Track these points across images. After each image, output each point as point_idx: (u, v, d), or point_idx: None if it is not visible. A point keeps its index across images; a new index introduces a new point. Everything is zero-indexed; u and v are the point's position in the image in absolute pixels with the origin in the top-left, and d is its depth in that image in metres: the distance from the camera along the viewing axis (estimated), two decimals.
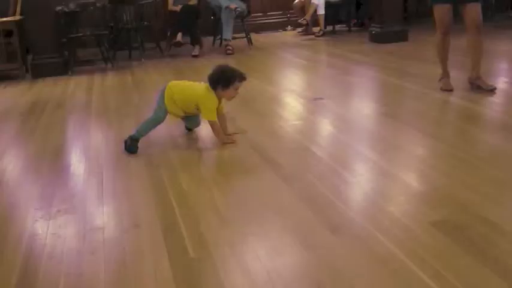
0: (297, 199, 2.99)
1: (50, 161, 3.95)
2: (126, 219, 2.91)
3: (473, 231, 2.51)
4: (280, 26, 10.75)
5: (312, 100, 5.10)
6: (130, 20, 8.40)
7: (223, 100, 4.07)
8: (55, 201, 3.20)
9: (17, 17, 7.68)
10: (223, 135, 4.01)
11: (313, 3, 9.42)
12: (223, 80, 3.93)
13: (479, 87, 4.95)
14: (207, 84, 3.97)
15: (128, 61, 8.20)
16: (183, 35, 8.21)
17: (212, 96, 3.95)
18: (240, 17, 8.51)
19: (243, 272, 2.32)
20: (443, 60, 5.12)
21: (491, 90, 4.89)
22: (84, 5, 8.15)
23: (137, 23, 8.39)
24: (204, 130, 4.24)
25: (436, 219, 2.63)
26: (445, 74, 5.13)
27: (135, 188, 3.34)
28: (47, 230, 2.85)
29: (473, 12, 4.78)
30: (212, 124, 3.97)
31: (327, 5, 9.49)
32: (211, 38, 9.09)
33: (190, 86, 4.12)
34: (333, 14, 9.77)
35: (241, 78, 4.00)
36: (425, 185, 3.08)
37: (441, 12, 4.92)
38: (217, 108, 4.01)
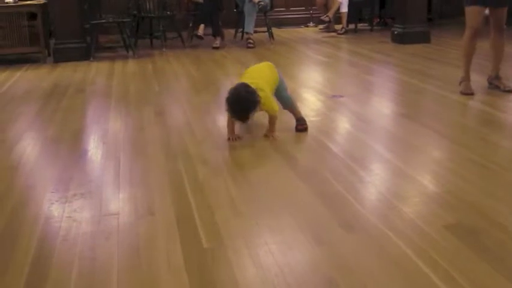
0: (311, 195, 2.99)
1: (69, 145, 3.98)
2: (141, 206, 2.93)
3: (488, 236, 2.50)
4: (302, 22, 10.73)
5: (331, 97, 5.09)
6: (153, 9, 8.42)
7: None
8: (72, 185, 3.23)
9: (41, 1, 7.73)
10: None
11: (337, 0, 9.39)
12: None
13: (497, 87, 5.05)
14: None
15: (149, 50, 8.23)
16: (205, 26, 8.23)
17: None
18: (263, 10, 8.50)
19: (254, 264, 2.33)
20: (467, 63, 5.11)
21: (509, 91, 4.96)
22: None
23: (160, 12, 8.41)
24: (222, 122, 4.25)
25: (450, 223, 2.63)
26: (466, 77, 5.10)
27: (152, 175, 3.36)
28: (63, 213, 2.88)
29: (499, 14, 4.96)
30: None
31: (350, 3, 9.47)
32: (232, 31, 9.09)
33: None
34: (355, 12, 9.75)
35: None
36: (440, 188, 3.07)
37: (473, 13, 4.93)
38: None
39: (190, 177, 3.28)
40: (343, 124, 4.44)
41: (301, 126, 4.14)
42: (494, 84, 5.04)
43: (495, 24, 5.00)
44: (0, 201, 3.06)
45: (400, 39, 8.16)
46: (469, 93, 5.00)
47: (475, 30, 4.96)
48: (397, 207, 2.81)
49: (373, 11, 9.99)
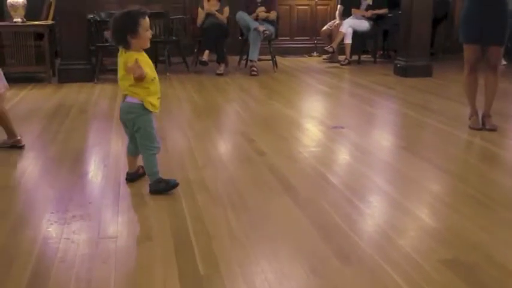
0: (309, 225, 3.01)
1: (69, 166, 4.01)
2: (139, 230, 2.95)
3: (484, 273, 2.51)
4: (306, 52, 10.82)
5: (332, 128, 5.13)
6: (159, 34, 8.50)
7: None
8: (71, 206, 3.25)
9: (49, 22, 7.82)
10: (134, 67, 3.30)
11: (341, 31, 9.48)
12: (128, 27, 3.29)
13: (483, 124, 5.09)
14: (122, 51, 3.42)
15: None
16: (210, 52, 8.31)
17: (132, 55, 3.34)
18: (268, 39, 8.58)
19: None
20: (470, 98, 5.18)
21: (490, 130, 5.00)
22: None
23: (166, 37, 8.49)
24: (223, 147, 4.27)
25: (446, 257, 2.64)
26: (473, 112, 5.16)
27: (151, 200, 3.38)
28: (61, 234, 2.89)
29: (494, 53, 5.01)
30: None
31: (355, 35, 9.54)
32: (236, 58, 9.16)
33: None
34: (359, 44, 9.82)
35: (142, 12, 3.34)
36: (437, 222, 3.08)
37: (468, 50, 5.03)
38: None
39: (189, 203, 3.29)
40: (343, 155, 4.46)
41: None
42: (483, 121, 5.08)
43: (488, 62, 5.06)
44: None
45: (403, 72, 8.22)
46: (476, 128, 5.04)
47: (471, 66, 5.06)
48: (394, 240, 2.83)
49: (377, 43, 10.08)
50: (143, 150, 3.49)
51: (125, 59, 3.36)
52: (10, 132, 4.37)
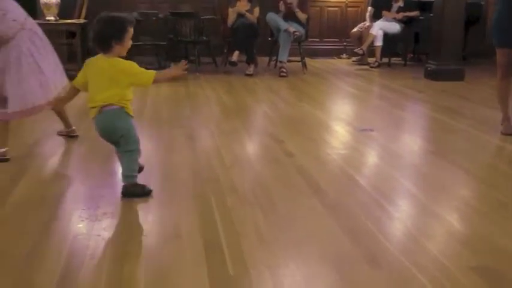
0: (338, 228, 3.00)
1: (101, 163, 4.05)
2: (169, 228, 2.97)
3: None
4: (335, 53, 10.80)
5: (361, 131, 5.11)
6: (189, 34, 8.57)
7: None
8: (102, 203, 3.29)
9: (81, 20, 7.91)
10: (168, 73, 3.71)
11: (372, 33, 9.44)
12: (115, 31, 3.29)
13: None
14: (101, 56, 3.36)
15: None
16: (240, 53, 8.34)
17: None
18: (298, 40, 8.58)
19: None
20: (502, 103, 5.12)
21: (507, 134, 4.98)
22: (146, 14, 8.38)
23: (196, 37, 8.55)
24: (251, 148, 4.28)
25: (475, 263, 2.62)
26: (505, 117, 5.10)
27: (181, 199, 3.40)
28: (92, 231, 2.93)
29: None
30: (155, 81, 3.39)
31: (385, 37, 9.50)
32: (266, 59, 9.18)
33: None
34: (390, 47, 9.77)
35: (131, 21, 3.38)
36: (466, 227, 3.06)
37: (500, 55, 4.98)
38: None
39: (218, 203, 3.31)
40: (372, 158, 4.45)
41: None
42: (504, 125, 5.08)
43: None
44: (32, 215, 3.12)
45: (434, 75, 8.16)
46: (509, 133, 4.99)
47: (503, 71, 4.99)
48: (423, 245, 2.81)
49: (408, 46, 10.01)
50: (127, 154, 3.41)
51: (110, 64, 3.28)
52: (67, 123, 4.70)
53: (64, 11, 7.90)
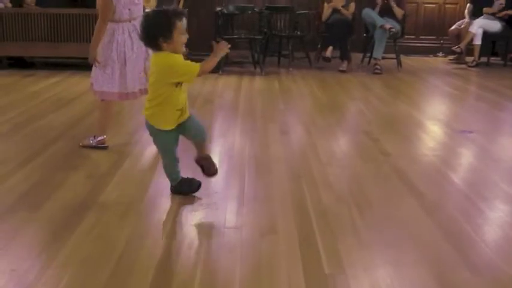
0: (436, 231, 2.92)
1: (195, 155, 4.09)
2: (264, 223, 2.96)
3: None
4: (431, 51, 10.52)
5: (460, 132, 4.95)
6: (284, 28, 8.57)
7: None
8: (198, 194, 3.33)
9: None
10: (213, 59, 3.20)
11: (471, 32, 9.14)
12: (161, 29, 3.02)
13: None
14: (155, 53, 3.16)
15: (275, 68, 8.35)
16: (333, 49, 8.27)
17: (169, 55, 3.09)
18: (393, 37, 8.42)
19: None
20: None
21: None
22: (242, 8, 8.43)
23: (290, 31, 8.54)
24: (347, 146, 4.22)
25: None
26: None
27: (275, 194, 3.40)
28: (188, 221, 2.97)
29: None
30: (202, 72, 3.16)
31: (485, 36, 9.17)
32: (359, 55, 9.06)
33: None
34: (489, 46, 9.43)
35: (179, 14, 3.07)
36: None
37: None
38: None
39: (314, 199, 3.29)
40: (471, 160, 4.30)
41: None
42: None
43: None
44: (131, 204, 3.19)
45: None
46: None
47: None
48: None
49: (508, 45, 9.63)
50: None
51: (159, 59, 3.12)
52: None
53: (162, 3, 8.05)
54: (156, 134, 3.24)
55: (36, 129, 4.72)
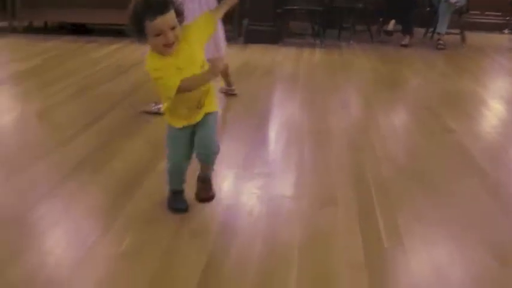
0: (500, 213, 2.83)
1: (255, 125, 4.09)
2: (323, 194, 2.95)
3: None
4: (497, 28, 10.19)
5: None
6: (345, 0, 8.43)
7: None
8: (257, 163, 3.34)
9: None
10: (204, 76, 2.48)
11: None
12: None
13: None
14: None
15: (336, 40, 8.23)
16: (396, 23, 8.10)
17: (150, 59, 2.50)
18: (459, 12, 8.19)
19: (435, 269, 2.28)
20: None
21: None
22: None
23: (351, 3, 8.39)
24: (408, 121, 4.14)
25: None
26: None
27: (334, 166, 3.37)
28: (248, 189, 2.98)
29: None
30: (184, 90, 2.44)
31: None
32: (421, 30, 8.86)
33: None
34: None
35: (153, 10, 2.32)
36: None
37: None
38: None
39: (374, 173, 3.24)
40: None
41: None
42: None
43: None
44: (190, 170, 3.20)
45: None
46: None
47: None
48: None
49: None
50: None
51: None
52: (228, 82, 4.90)
53: None
54: (167, 128, 2.68)
55: (98, 94, 4.80)
